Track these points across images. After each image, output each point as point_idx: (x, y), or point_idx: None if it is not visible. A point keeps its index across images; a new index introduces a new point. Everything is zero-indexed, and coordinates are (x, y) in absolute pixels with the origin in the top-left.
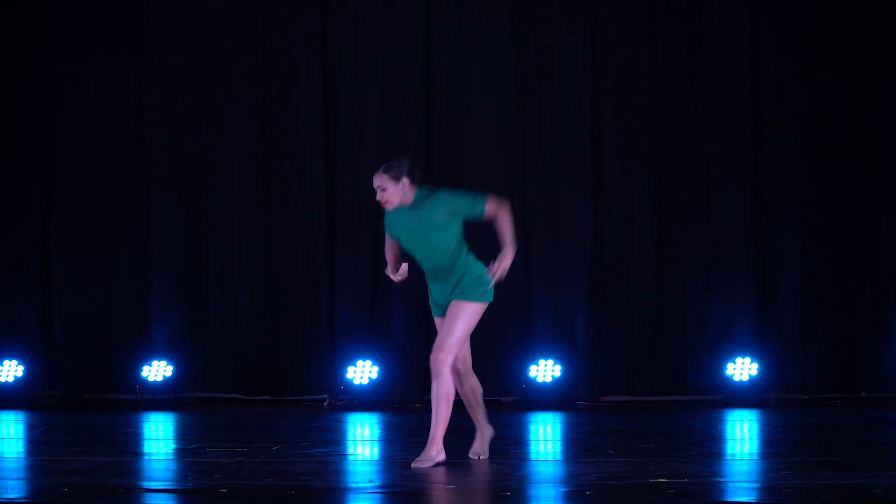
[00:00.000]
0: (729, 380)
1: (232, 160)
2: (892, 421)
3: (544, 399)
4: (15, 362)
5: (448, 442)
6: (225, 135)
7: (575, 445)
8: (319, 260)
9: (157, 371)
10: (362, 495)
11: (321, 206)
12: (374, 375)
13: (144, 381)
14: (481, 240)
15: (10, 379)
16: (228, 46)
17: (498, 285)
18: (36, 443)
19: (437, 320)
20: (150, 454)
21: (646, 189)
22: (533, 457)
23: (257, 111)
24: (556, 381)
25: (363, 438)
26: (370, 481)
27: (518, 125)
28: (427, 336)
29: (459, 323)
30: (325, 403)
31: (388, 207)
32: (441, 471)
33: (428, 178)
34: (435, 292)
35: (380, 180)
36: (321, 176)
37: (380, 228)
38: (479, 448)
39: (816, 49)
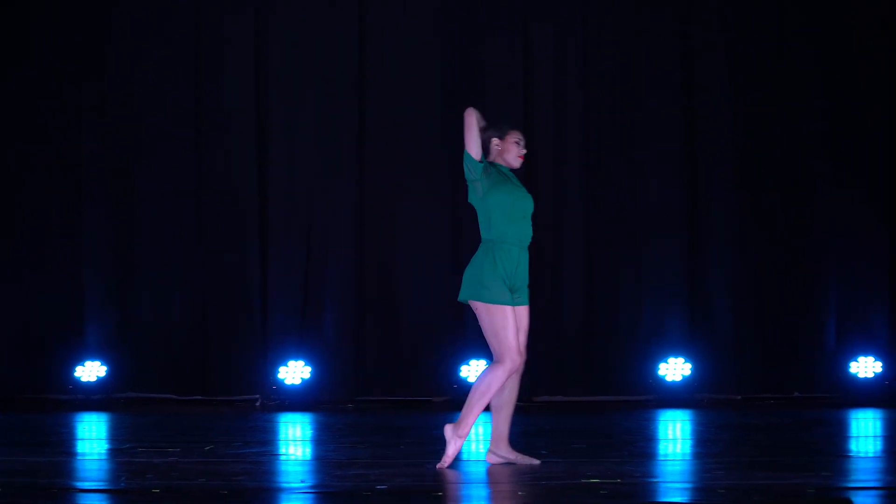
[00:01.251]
0: (661, 380)
1: (164, 161)
2: (826, 421)
3: None
4: None
5: (385, 444)
6: (156, 135)
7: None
8: (251, 260)
9: (91, 371)
10: (294, 495)
11: (253, 207)
12: (307, 375)
13: (78, 382)
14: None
15: None
16: (161, 69)
17: (430, 285)
18: None
19: (519, 309)
20: (83, 454)
21: (576, 188)
22: (465, 457)
23: (188, 112)
24: None
25: (295, 438)
26: (302, 481)
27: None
28: (359, 337)
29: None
30: (258, 403)
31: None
32: (374, 471)
33: (360, 180)
34: (519, 278)
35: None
36: (253, 176)
37: (312, 232)
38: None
39: (748, 48)
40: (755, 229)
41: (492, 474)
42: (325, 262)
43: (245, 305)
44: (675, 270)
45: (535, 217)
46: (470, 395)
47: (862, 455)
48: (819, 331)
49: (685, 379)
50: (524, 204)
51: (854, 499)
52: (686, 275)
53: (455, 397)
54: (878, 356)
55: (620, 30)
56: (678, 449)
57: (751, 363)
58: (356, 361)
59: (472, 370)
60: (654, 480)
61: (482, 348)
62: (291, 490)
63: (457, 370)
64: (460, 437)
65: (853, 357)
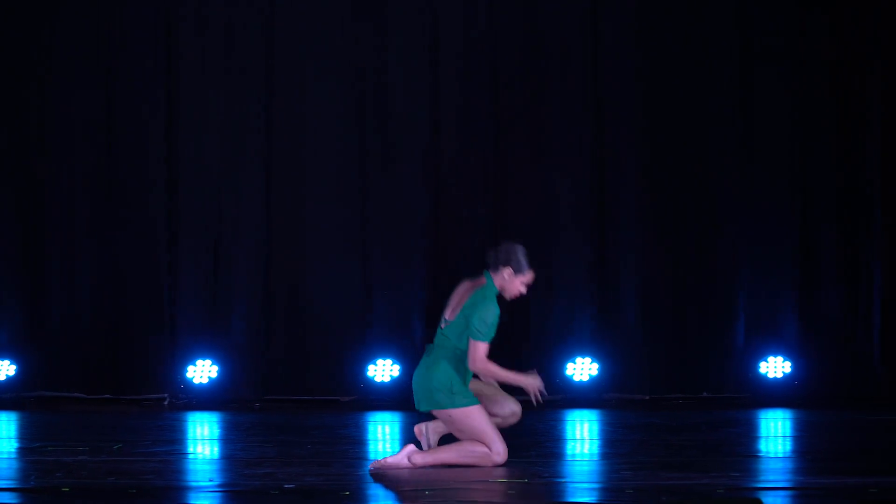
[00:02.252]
0: (569, 380)
1: (74, 162)
2: (735, 421)
3: (383, 399)
4: None
5: (292, 443)
6: (64, 132)
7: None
8: (160, 260)
9: (0, 370)
10: (202, 494)
11: (162, 206)
12: (214, 375)
13: None
14: None
15: None
16: (70, 64)
17: (337, 285)
18: None
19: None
20: None
21: (485, 183)
22: (371, 457)
23: (97, 109)
24: (394, 380)
25: (203, 437)
26: (210, 480)
27: (358, 118)
28: (266, 336)
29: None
30: (166, 402)
31: None
32: (282, 470)
33: (268, 179)
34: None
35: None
36: (162, 175)
37: (221, 232)
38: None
39: (658, 48)
40: (664, 229)
41: (399, 475)
42: (232, 262)
43: (153, 305)
44: (583, 270)
45: (444, 218)
46: (458, 446)
47: (771, 455)
48: (728, 331)
49: (593, 379)
50: None
51: (763, 499)
52: (595, 274)
53: (363, 397)
54: (786, 356)
55: (528, 28)
56: (586, 449)
57: (659, 363)
58: (263, 361)
59: (378, 370)
60: (563, 481)
61: (388, 348)
62: (200, 489)
63: (363, 370)
64: (414, 463)
65: (762, 357)
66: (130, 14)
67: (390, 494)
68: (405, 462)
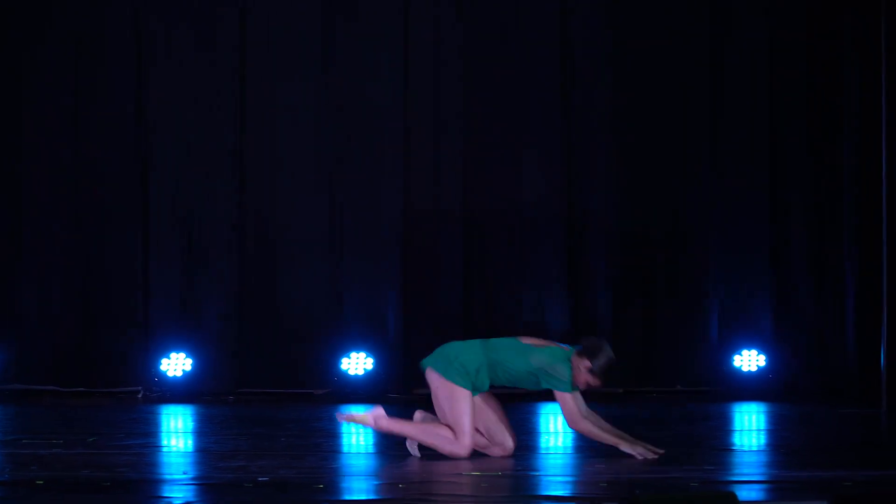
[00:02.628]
0: None
1: (45, 151)
2: (709, 414)
3: (356, 392)
4: None
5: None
6: (37, 124)
7: (387, 438)
8: (134, 253)
9: None
10: (177, 487)
11: (135, 200)
12: (188, 368)
13: None
14: None
15: None
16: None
17: (310, 278)
18: None
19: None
20: None
21: (456, 179)
22: (345, 449)
23: (69, 101)
24: (368, 373)
25: (177, 430)
26: (184, 473)
27: (331, 112)
28: (240, 329)
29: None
30: (140, 395)
31: None
32: (256, 463)
33: (241, 168)
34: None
35: None
36: (135, 169)
37: (193, 225)
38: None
39: (628, 50)
40: (637, 222)
41: (373, 468)
42: (206, 256)
43: (127, 298)
44: (555, 263)
45: (416, 212)
46: (425, 425)
47: (745, 449)
48: (702, 324)
49: None
50: None
51: (737, 492)
52: (568, 268)
53: (336, 390)
54: (761, 350)
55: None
56: (560, 442)
57: (632, 356)
58: (237, 354)
59: (352, 363)
60: (536, 474)
61: (362, 341)
62: (174, 481)
63: (337, 363)
64: (378, 426)
65: (736, 350)
66: (100, 6)
67: (363, 488)
68: (370, 421)
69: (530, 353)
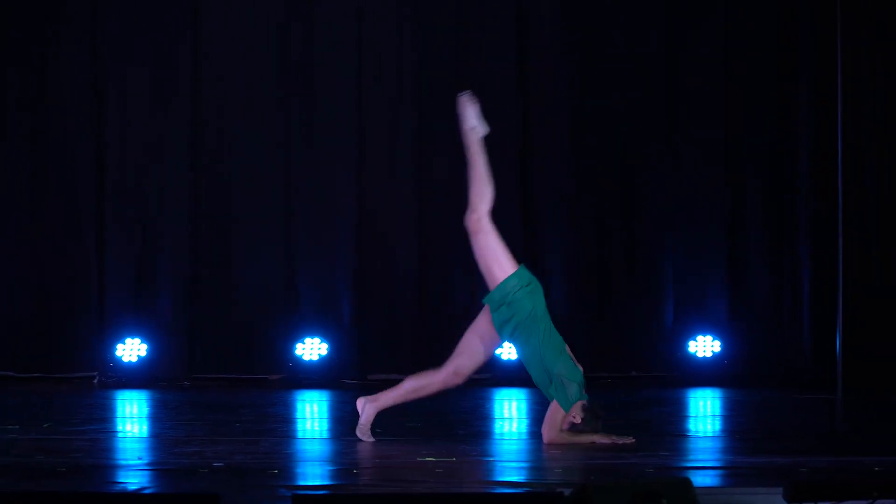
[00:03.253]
0: (497, 358)
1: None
2: (663, 400)
3: (311, 377)
4: None
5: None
6: None
7: (341, 424)
8: (88, 238)
9: None
10: (132, 472)
11: (90, 186)
12: (143, 353)
13: None
14: None
15: None
16: None
17: (265, 264)
18: None
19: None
20: None
21: (411, 165)
22: (300, 435)
23: (25, 90)
24: (322, 358)
25: (132, 416)
26: (140, 458)
27: (283, 98)
28: (194, 315)
29: None
30: (96, 381)
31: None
32: (211, 449)
33: (195, 154)
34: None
35: None
36: (90, 155)
37: (148, 211)
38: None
39: (582, 34)
40: (591, 208)
41: (328, 453)
42: (160, 242)
43: (83, 284)
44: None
45: (369, 197)
46: (409, 383)
47: (700, 435)
48: (657, 310)
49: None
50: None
51: (692, 478)
52: (521, 253)
53: (291, 375)
54: (716, 336)
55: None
56: (514, 428)
57: (587, 342)
58: (192, 339)
59: (306, 348)
60: (490, 459)
61: (316, 327)
62: (129, 467)
63: (292, 348)
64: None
65: (691, 336)
66: None
67: (319, 473)
68: (369, 413)
69: (564, 359)
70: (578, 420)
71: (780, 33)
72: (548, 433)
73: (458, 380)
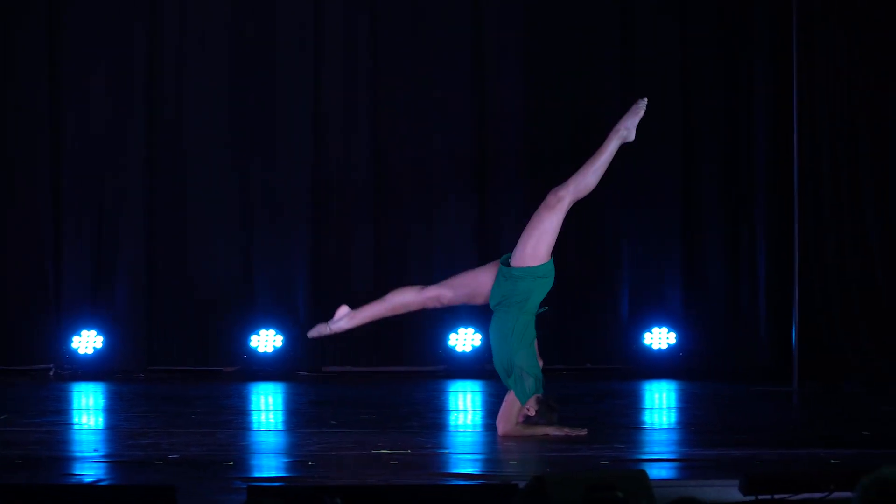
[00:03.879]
0: (451, 350)
1: None
2: (619, 393)
3: (266, 369)
4: None
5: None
6: None
7: (296, 416)
8: (45, 230)
9: None
10: (88, 464)
11: (46, 178)
12: (99, 345)
13: None
14: None
15: None
16: None
17: (220, 256)
18: None
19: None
20: None
21: (367, 156)
22: (255, 427)
23: None
24: (277, 350)
25: (88, 408)
26: (95, 450)
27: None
28: (150, 307)
29: None
30: (52, 373)
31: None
32: (166, 441)
33: (150, 147)
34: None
35: None
36: (46, 146)
37: (104, 203)
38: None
39: (540, 32)
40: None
41: (283, 445)
42: (116, 233)
43: (38, 276)
44: (465, 234)
45: (325, 187)
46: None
47: (655, 427)
48: (612, 302)
49: (476, 349)
50: None
51: (648, 471)
52: (476, 241)
53: (245, 367)
54: (671, 327)
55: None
56: (469, 420)
57: (541, 334)
58: (147, 331)
59: (261, 340)
60: (445, 451)
61: (271, 319)
62: (85, 459)
63: (247, 340)
64: (352, 323)
65: (647, 328)
66: None
67: (273, 465)
68: (345, 324)
69: (527, 352)
70: (533, 413)
71: (737, 18)
72: (503, 425)
73: (436, 304)
